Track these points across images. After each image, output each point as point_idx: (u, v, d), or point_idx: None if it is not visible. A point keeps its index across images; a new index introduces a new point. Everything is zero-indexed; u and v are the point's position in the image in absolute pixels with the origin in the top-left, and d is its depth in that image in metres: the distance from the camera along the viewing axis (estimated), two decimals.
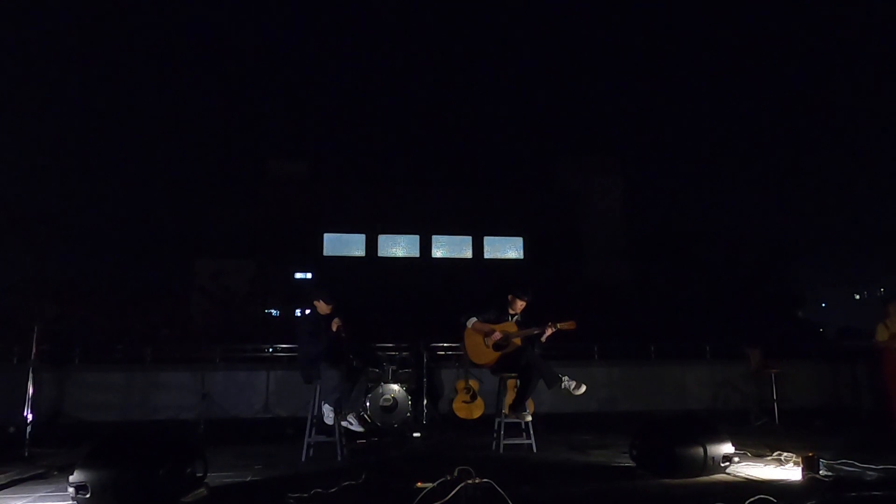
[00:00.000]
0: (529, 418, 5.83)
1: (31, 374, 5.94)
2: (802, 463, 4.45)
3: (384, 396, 7.53)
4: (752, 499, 3.54)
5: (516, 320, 5.99)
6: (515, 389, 5.98)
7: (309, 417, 5.71)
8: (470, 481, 3.70)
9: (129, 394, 9.05)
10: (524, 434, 5.93)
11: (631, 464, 4.78)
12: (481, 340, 5.92)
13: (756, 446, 5.63)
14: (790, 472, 4.63)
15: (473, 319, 5.95)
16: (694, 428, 4.64)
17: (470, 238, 31.15)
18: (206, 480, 4.16)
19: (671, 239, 30.63)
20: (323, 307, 5.98)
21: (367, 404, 7.39)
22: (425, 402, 8.09)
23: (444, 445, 6.48)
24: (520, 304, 5.96)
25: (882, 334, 7.63)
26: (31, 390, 5.90)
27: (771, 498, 3.56)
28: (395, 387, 7.60)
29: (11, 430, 7.00)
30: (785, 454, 5.03)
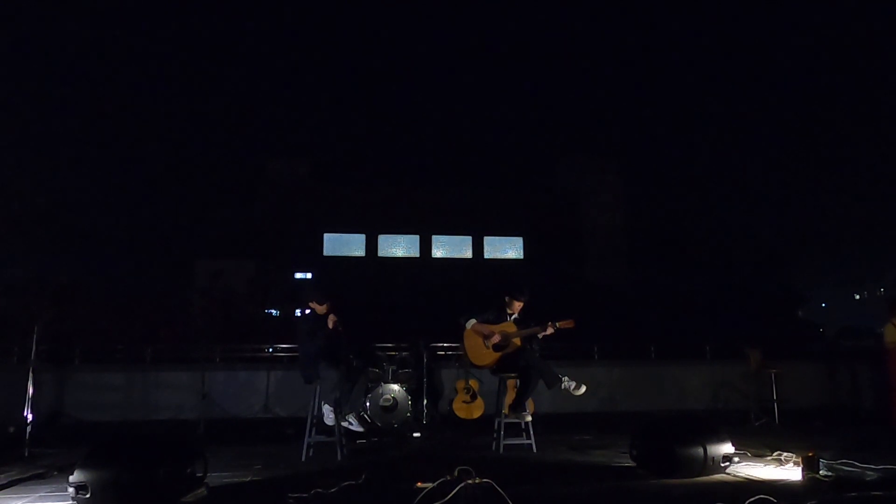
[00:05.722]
0: (529, 418, 5.83)
1: (31, 374, 5.94)
2: (802, 463, 4.45)
3: (384, 396, 7.53)
4: (752, 499, 3.53)
5: (515, 320, 5.99)
6: (515, 389, 5.98)
7: (309, 417, 5.71)
8: (470, 481, 3.70)
9: (129, 394, 9.05)
10: (524, 434, 5.92)
11: (631, 464, 4.79)
12: (481, 342, 5.92)
13: (756, 446, 5.63)
14: (790, 472, 4.62)
15: (473, 320, 5.94)
16: (694, 428, 4.64)
17: (470, 238, 31.14)
18: (206, 480, 4.16)
19: (671, 239, 30.68)
20: (318, 307, 5.98)
21: (367, 404, 7.39)
22: (425, 402, 8.09)
23: (444, 445, 6.48)
24: (517, 305, 5.97)
25: (891, 335, 7.58)
26: (31, 390, 5.91)
27: (771, 498, 3.56)
28: (395, 387, 7.60)
29: (11, 430, 7.00)
30: (785, 454, 5.02)
